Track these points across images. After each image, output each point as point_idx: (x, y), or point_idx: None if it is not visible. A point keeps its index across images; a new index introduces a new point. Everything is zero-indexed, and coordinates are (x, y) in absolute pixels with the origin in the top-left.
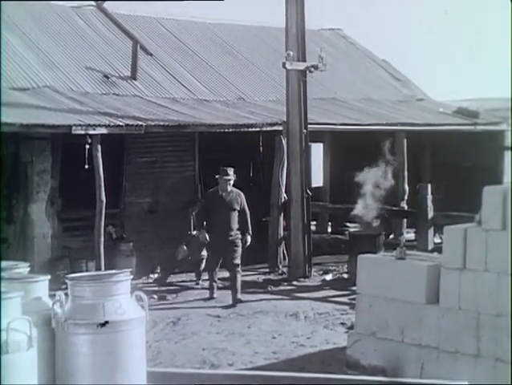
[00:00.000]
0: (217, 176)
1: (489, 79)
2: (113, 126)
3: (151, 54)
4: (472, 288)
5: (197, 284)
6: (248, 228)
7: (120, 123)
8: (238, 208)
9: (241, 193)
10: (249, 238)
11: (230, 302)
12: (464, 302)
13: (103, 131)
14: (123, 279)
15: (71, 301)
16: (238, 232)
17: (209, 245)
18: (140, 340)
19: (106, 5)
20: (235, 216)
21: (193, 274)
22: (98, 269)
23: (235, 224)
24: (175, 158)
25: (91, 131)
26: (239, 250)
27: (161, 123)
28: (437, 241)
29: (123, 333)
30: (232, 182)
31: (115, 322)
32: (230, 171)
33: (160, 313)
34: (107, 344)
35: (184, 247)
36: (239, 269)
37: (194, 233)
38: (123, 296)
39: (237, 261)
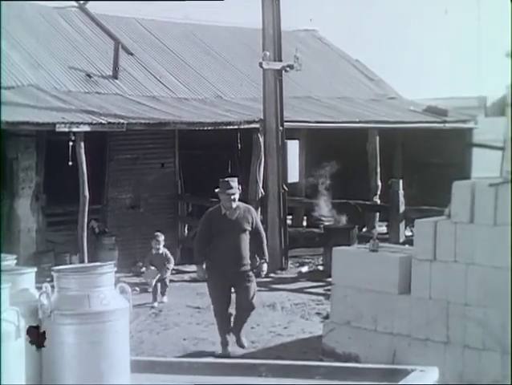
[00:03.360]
0: (216, 191)
1: (457, 78)
2: (96, 124)
3: (132, 54)
4: (442, 278)
5: (154, 306)
6: (264, 254)
7: (103, 121)
8: (249, 229)
9: (252, 208)
10: (265, 267)
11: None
12: (434, 292)
13: (86, 128)
14: (108, 271)
15: (57, 293)
16: (249, 261)
17: (213, 282)
18: (124, 330)
19: (88, 5)
20: (246, 239)
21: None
22: (81, 262)
23: (246, 250)
24: (156, 155)
25: (75, 129)
26: (254, 284)
27: (142, 121)
28: (408, 234)
29: (108, 323)
30: (237, 197)
31: (100, 313)
32: (234, 182)
33: (142, 304)
34: (93, 334)
35: (152, 267)
36: (253, 311)
37: (154, 250)
38: (107, 287)
39: (254, 298)
